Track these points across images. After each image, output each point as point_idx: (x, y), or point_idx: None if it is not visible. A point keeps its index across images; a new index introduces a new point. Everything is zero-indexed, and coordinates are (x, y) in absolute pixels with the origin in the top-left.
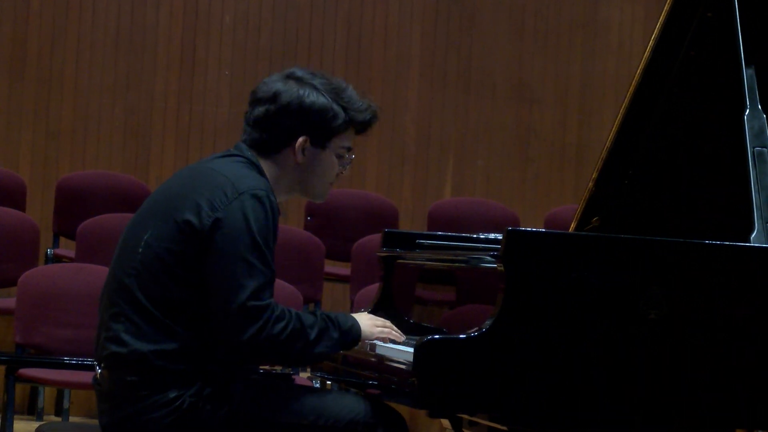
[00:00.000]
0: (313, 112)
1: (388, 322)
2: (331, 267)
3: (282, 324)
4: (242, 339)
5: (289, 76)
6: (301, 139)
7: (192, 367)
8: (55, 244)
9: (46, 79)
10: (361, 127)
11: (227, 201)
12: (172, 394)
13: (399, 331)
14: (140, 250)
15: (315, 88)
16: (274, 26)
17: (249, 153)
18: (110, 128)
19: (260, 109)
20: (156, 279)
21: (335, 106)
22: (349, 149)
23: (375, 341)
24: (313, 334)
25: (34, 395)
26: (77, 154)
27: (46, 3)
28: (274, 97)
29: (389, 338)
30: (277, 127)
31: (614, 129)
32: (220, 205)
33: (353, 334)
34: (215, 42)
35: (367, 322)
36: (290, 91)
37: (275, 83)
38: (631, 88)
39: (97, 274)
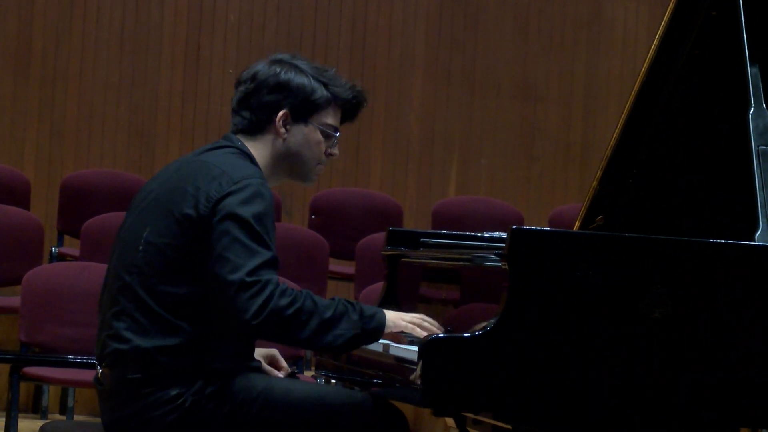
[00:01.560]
0: (291, 86)
1: (418, 316)
2: (336, 265)
3: (288, 299)
4: (247, 317)
5: (271, 60)
6: (281, 113)
7: (194, 364)
8: (60, 242)
9: (50, 77)
10: (345, 105)
11: (223, 192)
12: (174, 392)
13: (435, 323)
14: (141, 247)
15: (295, 67)
16: (278, 25)
17: (239, 143)
18: (115, 127)
19: (241, 90)
20: (158, 275)
21: (314, 82)
22: (335, 129)
23: (389, 342)
24: (328, 314)
25: (38, 394)
26: (82, 153)
27: (51, 1)
28: (253, 77)
29: (421, 329)
30: (257, 104)
31: (618, 128)
32: (217, 197)
33: (377, 319)
34: (220, 41)
35: (394, 313)
36: (269, 70)
37: (256, 66)
38: (636, 87)
39: (101, 272)
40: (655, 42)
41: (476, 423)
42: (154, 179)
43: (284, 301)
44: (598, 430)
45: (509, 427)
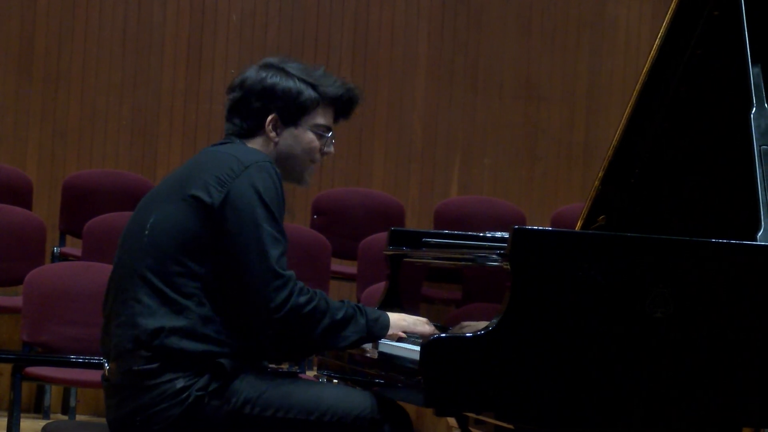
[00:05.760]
0: (276, 90)
1: (421, 319)
2: (338, 265)
3: (306, 296)
4: (270, 308)
5: (262, 65)
6: (270, 117)
7: (203, 352)
8: (62, 242)
9: (53, 77)
10: (335, 103)
11: (234, 175)
12: (179, 385)
13: (429, 322)
14: (146, 233)
15: (282, 70)
16: (280, 24)
17: (239, 141)
18: (117, 127)
19: (230, 98)
20: (166, 257)
21: (300, 84)
22: (327, 128)
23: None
24: (339, 315)
25: (40, 394)
26: (84, 153)
27: (53, 2)
28: (241, 83)
29: (418, 330)
30: (246, 110)
31: (621, 128)
32: (228, 180)
33: (381, 322)
34: (222, 40)
35: (396, 315)
36: (256, 76)
37: (246, 72)
38: (638, 87)
39: (103, 272)
40: (657, 42)
41: (478, 423)
42: (164, 178)
43: (303, 299)
44: (601, 429)
45: (511, 426)
